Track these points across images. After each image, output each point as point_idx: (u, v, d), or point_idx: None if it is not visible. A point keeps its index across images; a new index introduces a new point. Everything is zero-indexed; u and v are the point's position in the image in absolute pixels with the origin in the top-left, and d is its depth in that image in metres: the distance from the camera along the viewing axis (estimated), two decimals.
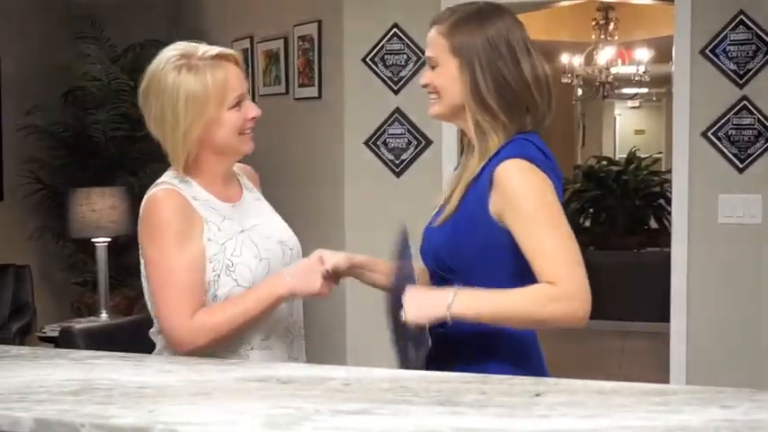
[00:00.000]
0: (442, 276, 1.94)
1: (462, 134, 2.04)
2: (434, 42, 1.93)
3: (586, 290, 1.81)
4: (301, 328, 2.19)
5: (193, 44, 2.07)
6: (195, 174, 2.08)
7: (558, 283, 1.78)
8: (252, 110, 2.07)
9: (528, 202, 1.81)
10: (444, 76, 1.92)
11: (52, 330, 4.74)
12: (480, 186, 1.87)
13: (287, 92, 4.94)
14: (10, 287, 5.31)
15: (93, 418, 1.44)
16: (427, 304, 1.83)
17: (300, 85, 4.85)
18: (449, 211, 1.92)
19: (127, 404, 1.52)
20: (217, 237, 2.03)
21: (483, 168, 1.88)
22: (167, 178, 2.08)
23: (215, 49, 2.05)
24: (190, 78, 2.00)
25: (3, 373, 1.76)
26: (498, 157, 1.86)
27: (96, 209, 4.90)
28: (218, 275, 2.01)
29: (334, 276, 2.03)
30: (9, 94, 5.76)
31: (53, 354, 1.97)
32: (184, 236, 2.00)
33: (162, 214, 2.02)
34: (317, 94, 4.70)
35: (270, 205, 2.23)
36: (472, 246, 1.87)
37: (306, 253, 2.13)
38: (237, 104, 2.04)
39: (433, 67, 1.94)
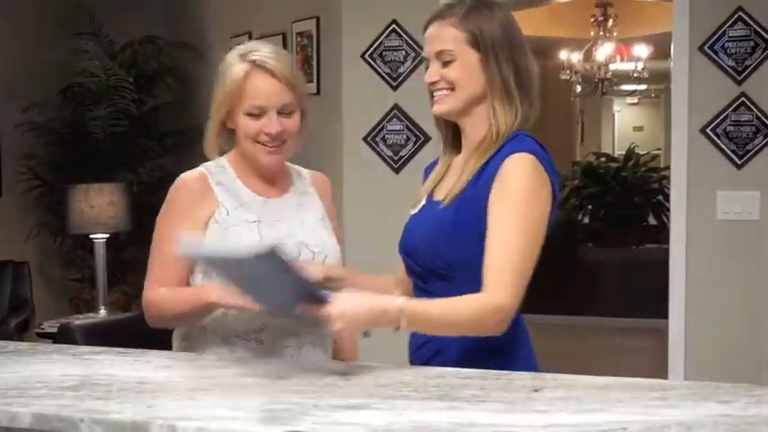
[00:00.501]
0: (438, 274, 1.89)
1: (454, 130, 1.98)
2: (446, 35, 1.89)
3: (516, 308, 1.80)
4: (312, 334, 2.11)
5: (261, 44, 2.13)
6: (235, 162, 2.16)
7: (502, 295, 1.76)
8: (269, 126, 2.06)
9: (518, 199, 1.80)
10: (463, 69, 1.88)
11: (51, 327, 4.73)
12: (486, 178, 1.85)
13: None
14: (8, 284, 5.31)
15: (92, 413, 1.44)
16: (369, 319, 1.72)
17: None
18: (448, 200, 1.88)
19: (126, 399, 1.52)
20: (224, 221, 2.09)
21: (487, 162, 1.86)
22: (210, 162, 2.18)
23: (258, 54, 2.07)
24: (226, 72, 2.09)
25: (1, 368, 1.76)
26: (504, 151, 1.84)
27: (95, 205, 4.90)
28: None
29: None
30: (7, 91, 5.76)
31: (52, 349, 1.97)
32: (185, 216, 2.09)
33: (173, 193, 2.14)
34: (315, 91, 4.70)
35: (320, 214, 2.22)
36: (475, 238, 1.83)
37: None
38: (258, 115, 2.06)
39: (446, 62, 1.89)
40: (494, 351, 1.85)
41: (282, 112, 2.08)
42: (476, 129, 1.92)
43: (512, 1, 6.86)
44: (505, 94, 1.88)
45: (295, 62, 2.20)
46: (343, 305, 1.71)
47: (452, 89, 1.90)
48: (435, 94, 1.92)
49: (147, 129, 5.85)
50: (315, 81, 4.70)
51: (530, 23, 9.09)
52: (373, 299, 1.75)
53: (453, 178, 1.94)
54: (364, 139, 4.41)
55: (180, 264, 2.07)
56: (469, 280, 1.80)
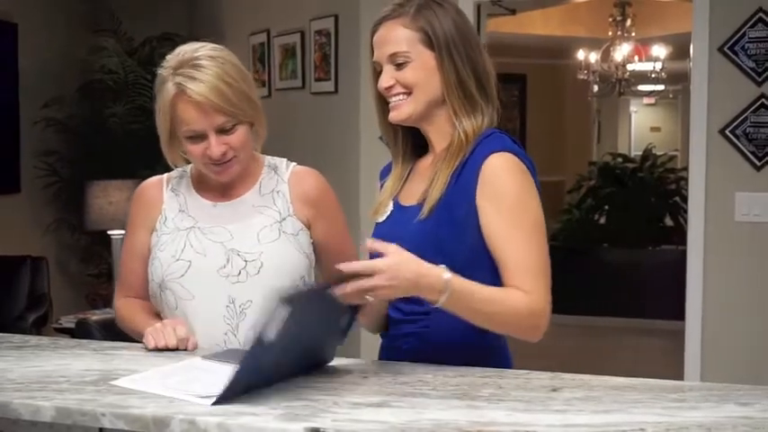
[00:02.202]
0: None
1: (406, 133, 1.91)
2: (398, 36, 1.78)
3: (550, 306, 1.74)
4: None
5: (191, 52, 1.97)
6: (196, 168, 2.09)
7: (541, 298, 1.70)
8: (210, 149, 1.95)
9: (512, 202, 1.72)
10: (419, 70, 1.78)
11: (68, 322, 4.77)
12: (465, 180, 1.75)
13: (303, 86, 4.95)
14: (26, 279, 5.34)
15: (114, 407, 1.46)
16: (413, 281, 1.61)
17: (317, 80, 4.86)
18: (427, 210, 1.77)
19: (147, 395, 1.53)
20: (161, 228, 2.08)
21: (464, 164, 1.77)
22: (179, 167, 2.14)
23: (181, 75, 1.94)
24: (159, 89, 2.02)
25: (23, 362, 1.77)
26: (480, 151, 1.76)
27: (113, 201, 4.93)
28: (147, 266, 2.08)
29: None
30: (26, 87, 5.79)
31: (73, 344, 1.98)
32: (135, 223, 2.13)
33: (131, 200, 2.20)
34: (333, 89, 4.71)
35: (279, 216, 2.05)
36: (461, 245, 1.74)
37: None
38: (197, 137, 1.96)
39: (400, 65, 1.78)
40: (482, 350, 1.78)
41: (222, 129, 1.95)
42: (440, 133, 1.83)
43: (530, 0, 6.87)
44: (464, 95, 1.78)
45: (238, 68, 2.00)
46: (394, 259, 1.60)
47: (409, 93, 1.79)
48: (392, 100, 1.82)
49: None
50: (333, 80, 4.71)
51: (548, 23, 9.08)
52: (420, 262, 1.63)
53: (422, 184, 1.83)
54: (381, 137, 4.41)
55: (137, 273, 2.10)
56: None
